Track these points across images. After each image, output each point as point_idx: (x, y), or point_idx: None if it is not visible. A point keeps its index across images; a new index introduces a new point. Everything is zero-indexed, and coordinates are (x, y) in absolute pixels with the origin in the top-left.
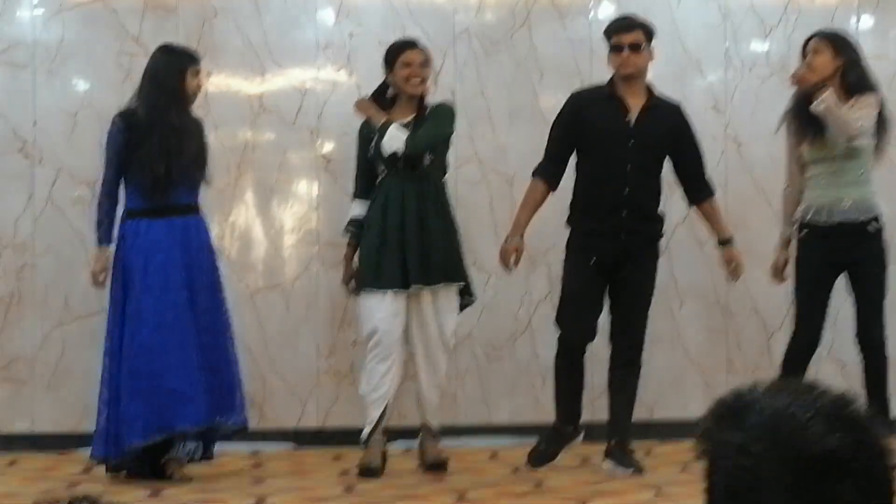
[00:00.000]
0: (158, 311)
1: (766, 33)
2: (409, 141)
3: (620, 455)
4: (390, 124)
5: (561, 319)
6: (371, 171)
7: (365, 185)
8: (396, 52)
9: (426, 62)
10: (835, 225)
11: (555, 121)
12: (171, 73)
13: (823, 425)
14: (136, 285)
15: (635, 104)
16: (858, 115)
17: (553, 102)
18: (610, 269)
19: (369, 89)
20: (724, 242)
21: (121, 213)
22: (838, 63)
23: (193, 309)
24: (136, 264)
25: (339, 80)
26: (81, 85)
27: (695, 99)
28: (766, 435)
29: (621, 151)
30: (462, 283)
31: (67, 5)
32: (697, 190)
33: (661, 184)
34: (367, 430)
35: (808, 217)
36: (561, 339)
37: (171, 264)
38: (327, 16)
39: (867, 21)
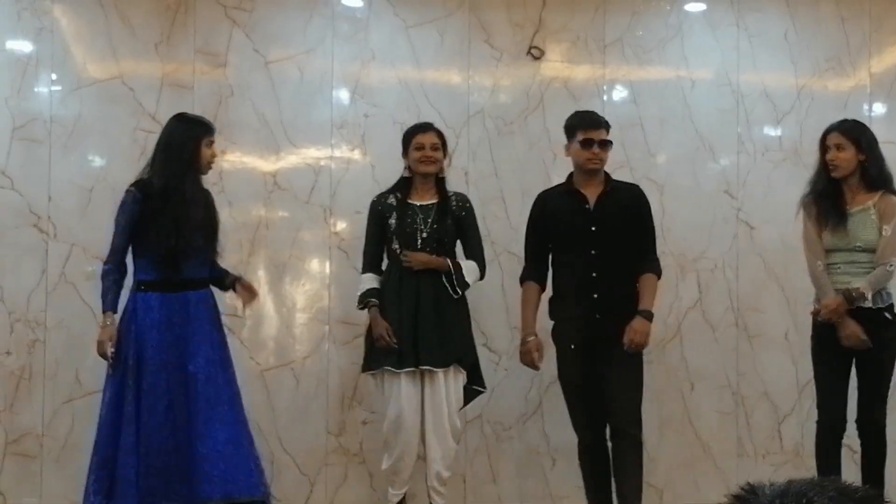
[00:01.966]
0: (172, 388)
1: (779, 119)
2: (481, 272)
3: None
4: (459, 264)
5: (571, 416)
6: (381, 247)
7: (376, 260)
8: (410, 136)
9: (438, 145)
10: (851, 311)
11: (527, 225)
12: (186, 142)
13: (828, 500)
14: (150, 361)
15: (593, 193)
16: (892, 251)
17: None
18: (593, 352)
19: (383, 168)
20: (639, 312)
21: (130, 284)
22: (861, 158)
23: (209, 382)
24: (149, 339)
25: (353, 159)
26: (97, 161)
27: (707, 183)
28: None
29: (584, 239)
30: (469, 369)
31: (85, 82)
32: (642, 265)
33: (633, 261)
34: None
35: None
36: (577, 435)
37: (185, 339)
38: (343, 95)
39: (879, 108)
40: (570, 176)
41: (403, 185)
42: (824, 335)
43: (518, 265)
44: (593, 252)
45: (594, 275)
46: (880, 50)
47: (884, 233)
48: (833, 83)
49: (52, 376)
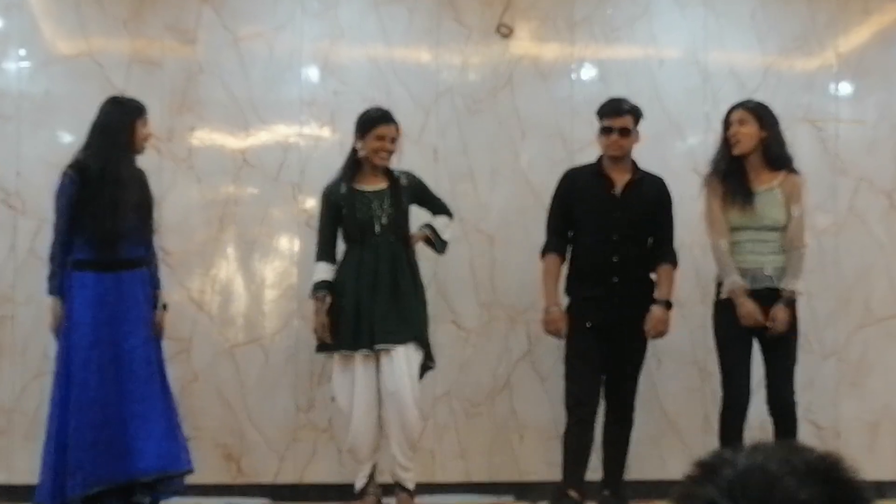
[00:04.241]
0: (105, 364)
1: (746, 97)
2: (450, 214)
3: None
4: (433, 230)
5: (570, 391)
6: (335, 236)
7: (330, 248)
8: (372, 124)
9: (397, 138)
10: (758, 290)
11: (552, 198)
12: (122, 124)
13: (796, 480)
14: (84, 338)
15: (621, 179)
16: (803, 233)
17: (534, 161)
18: (606, 332)
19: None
20: (658, 301)
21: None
22: (763, 135)
23: (143, 361)
24: (83, 317)
25: (322, 137)
26: (66, 137)
27: (675, 161)
28: (737, 488)
29: (608, 223)
30: (425, 350)
31: (54, 58)
32: (659, 255)
33: (650, 250)
34: (360, 483)
35: None
36: (569, 410)
37: (119, 318)
38: (312, 73)
39: (846, 87)
40: (601, 158)
41: (351, 170)
42: (727, 314)
43: (487, 243)
44: (615, 238)
45: (615, 259)
46: (847, 29)
47: (794, 213)
48: (800, 62)
49: (22, 352)
